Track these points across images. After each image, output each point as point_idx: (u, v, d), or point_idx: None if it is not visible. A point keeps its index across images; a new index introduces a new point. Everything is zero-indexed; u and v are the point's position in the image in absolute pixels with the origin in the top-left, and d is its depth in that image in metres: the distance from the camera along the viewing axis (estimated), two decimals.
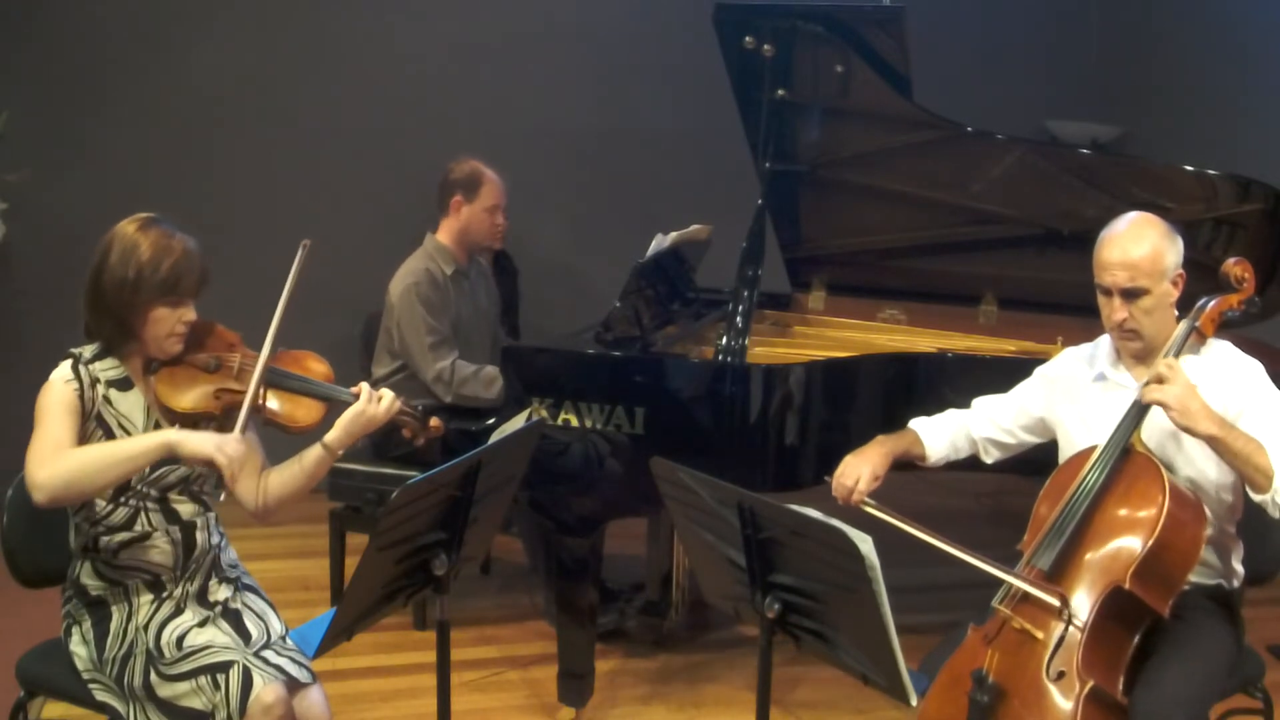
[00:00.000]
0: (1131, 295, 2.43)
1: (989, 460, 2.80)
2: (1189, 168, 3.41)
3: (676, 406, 3.13)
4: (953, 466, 2.88)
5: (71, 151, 4.66)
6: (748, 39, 3.48)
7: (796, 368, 3.15)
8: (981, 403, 2.81)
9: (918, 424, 2.79)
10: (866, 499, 2.55)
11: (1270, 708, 2.67)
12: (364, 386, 2.45)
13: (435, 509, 2.22)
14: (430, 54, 4.98)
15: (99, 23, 4.65)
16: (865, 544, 1.95)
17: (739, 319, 3.33)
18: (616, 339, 3.30)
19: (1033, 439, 2.75)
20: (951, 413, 2.82)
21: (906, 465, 3.17)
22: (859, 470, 2.59)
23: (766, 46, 3.47)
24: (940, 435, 2.77)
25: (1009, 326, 3.82)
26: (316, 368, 2.50)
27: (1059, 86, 5.72)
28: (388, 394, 2.46)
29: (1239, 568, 2.58)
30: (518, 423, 3.03)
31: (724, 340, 3.28)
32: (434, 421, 2.55)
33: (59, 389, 2.29)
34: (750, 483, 2.32)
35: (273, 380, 2.41)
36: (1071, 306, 3.64)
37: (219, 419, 2.42)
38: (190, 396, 2.36)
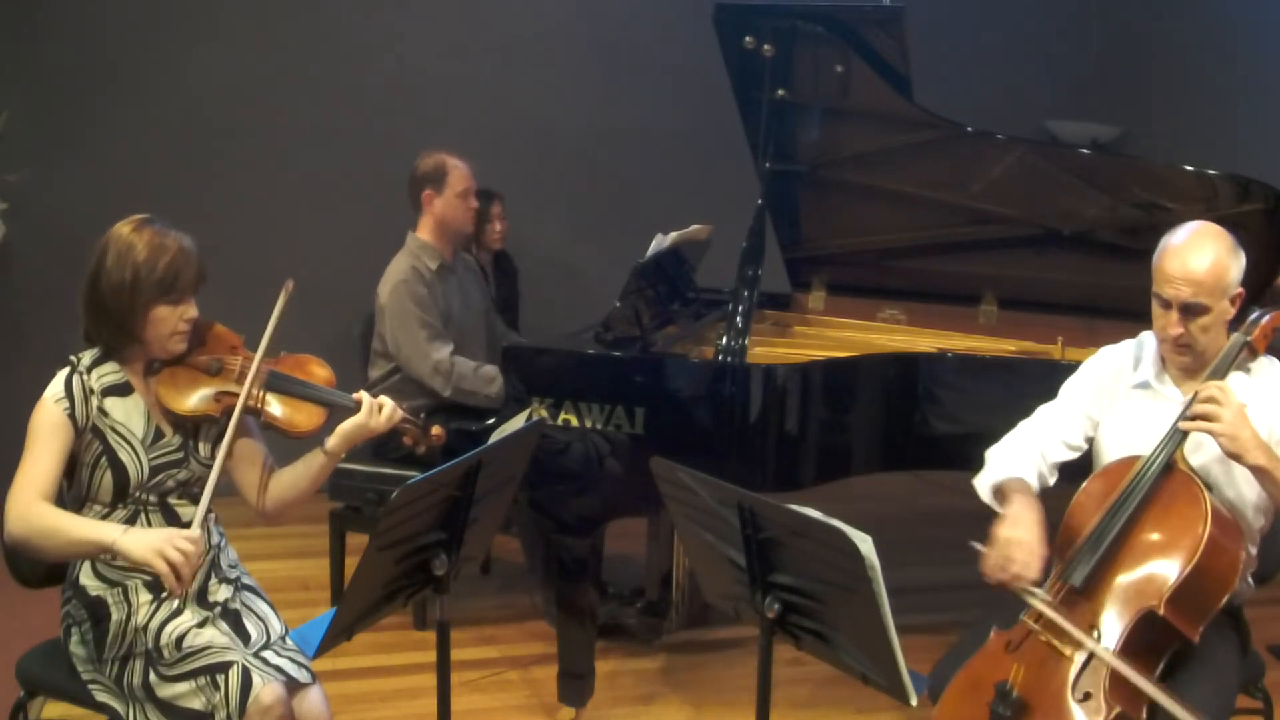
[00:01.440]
0: (1191, 311, 2.33)
1: (1052, 482, 2.56)
2: (1189, 168, 3.41)
3: (676, 406, 3.13)
4: (943, 461, 2.82)
5: (71, 151, 4.66)
6: (748, 39, 3.48)
7: (796, 368, 3.15)
8: (1043, 428, 2.60)
9: (1019, 471, 2.51)
10: (1034, 590, 2.28)
11: (1270, 708, 2.67)
12: (364, 395, 2.46)
13: (435, 509, 2.22)
14: (430, 54, 4.98)
15: (99, 23, 4.66)
16: (865, 544, 1.94)
17: (739, 319, 3.33)
18: (616, 339, 3.30)
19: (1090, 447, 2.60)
20: (1019, 452, 2.57)
21: (906, 466, 3.19)
22: (1031, 557, 2.28)
23: (766, 46, 3.47)
24: (1035, 481, 2.52)
25: (1009, 326, 3.82)
26: (319, 372, 2.50)
27: (1059, 86, 5.73)
28: (388, 403, 2.46)
29: (1250, 583, 2.54)
30: (518, 423, 3.04)
31: (724, 340, 3.28)
32: (435, 430, 2.55)
33: (49, 411, 2.30)
34: (750, 483, 2.32)
35: (273, 385, 2.41)
36: (1071, 306, 3.65)
37: (220, 421, 2.42)
38: (191, 399, 2.36)
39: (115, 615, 2.36)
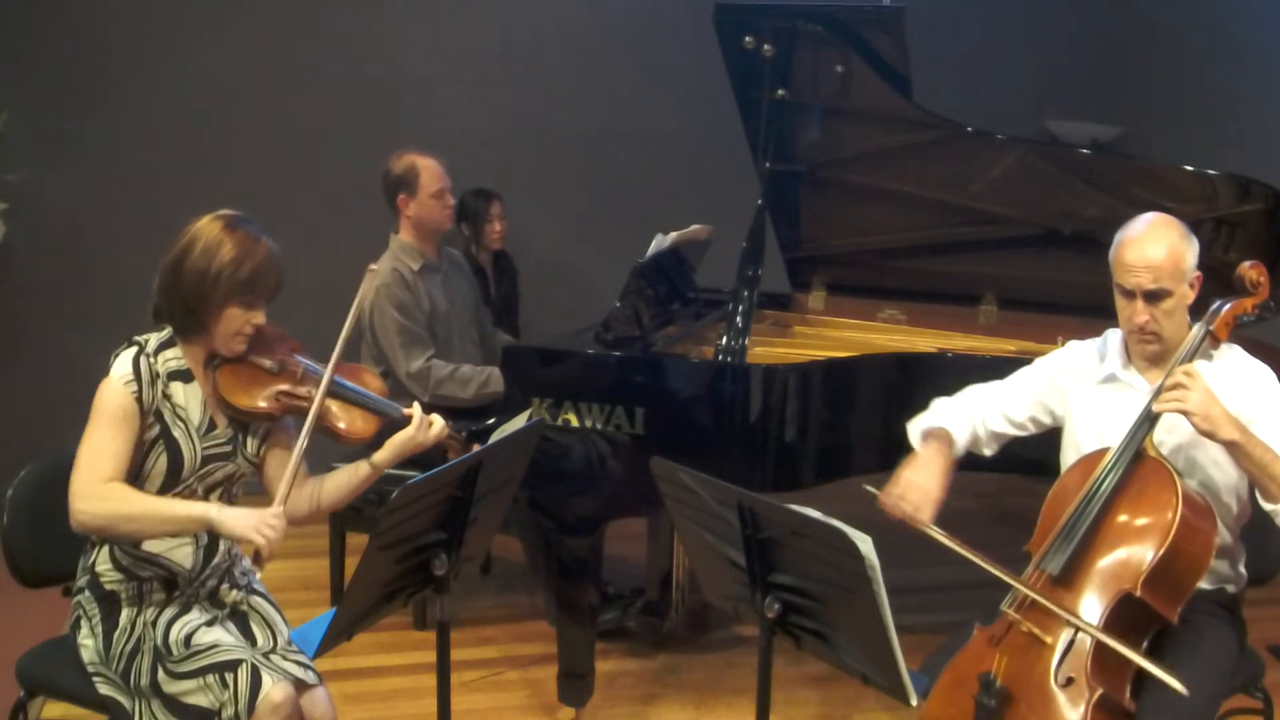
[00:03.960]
0: (1154, 297, 2.39)
1: (987, 454, 2.70)
2: (1189, 168, 3.41)
3: (676, 406, 3.13)
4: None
5: (71, 151, 4.65)
6: (748, 39, 3.48)
7: (796, 368, 3.15)
8: (986, 398, 2.70)
9: (941, 422, 2.64)
10: (931, 526, 2.40)
11: (1270, 708, 2.67)
12: (416, 409, 2.48)
13: (435, 509, 2.22)
14: (431, 54, 4.98)
15: (99, 23, 4.65)
16: (865, 544, 1.95)
17: (739, 319, 3.33)
18: (616, 339, 3.30)
19: (1040, 431, 2.68)
20: (954, 408, 2.69)
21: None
22: (924, 496, 2.43)
23: (766, 46, 3.47)
24: (962, 436, 2.64)
25: (1009, 326, 3.82)
26: (373, 382, 2.56)
27: (1059, 86, 5.72)
28: (438, 420, 2.49)
29: (1243, 571, 2.58)
30: (518, 423, 3.04)
31: (724, 340, 3.28)
32: (476, 447, 2.56)
33: (117, 393, 2.29)
34: (750, 483, 2.32)
35: (333, 390, 2.43)
36: (1071, 306, 3.65)
37: (277, 419, 2.44)
38: (251, 395, 2.38)
39: (126, 610, 2.38)
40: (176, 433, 2.35)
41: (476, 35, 5.04)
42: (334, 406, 2.44)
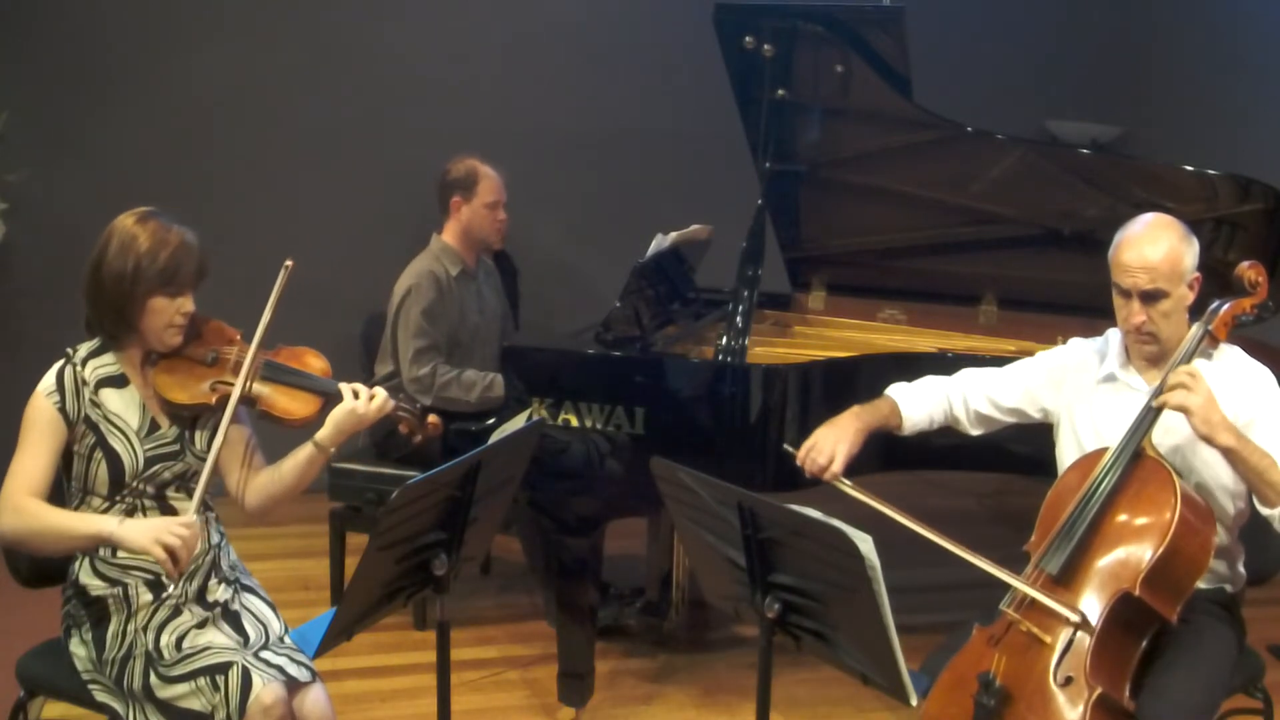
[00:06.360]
0: (1151, 298, 2.39)
1: (973, 433, 2.75)
2: (1189, 168, 3.41)
3: (677, 406, 3.13)
4: (943, 461, 2.84)
5: (71, 151, 4.66)
6: (748, 39, 3.48)
7: (796, 368, 3.15)
8: (975, 377, 2.74)
9: (896, 392, 2.72)
10: (841, 479, 2.52)
11: (1270, 708, 2.67)
12: (358, 386, 2.45)
13: (435, 509, 2.22)
14: (431, 54, 4.98)
15: (99, 23, 4.66)
16: (865, 544, 1.95)
17: (739, 319, 3.33)
18: (616, 339, 3.31)
19: (1025, 421, 2.72)
20: (932, 382, 2.74)
21: (906, 466, 3.17)
22: (834, 448, 2.53)
23: (766, 46, 3.47)
24: (919, 405, 2.70)
25: (1009, 326, 3.82)
26: (314, 363, 2.52)
27: (1059, 86, 5.73)
28: (380, 392, 2.46)
29: (1242, 571, 2.58)
30: (518, 423, 3.04)
31: (724, 340, 3.28)
32: (432, 419, 2.55)
33: (40, 405, 2.32)
34: (750, 483, 2.32)
35: (267, 374, 2.43)
36: (1071, 306, 3.65)
37: (215, 411, 2.42)
38: (187, 389, 2.38)
39: (116, 616, 2.37)
40: (113, 440, 2.35)
41: (476, 35, 5.04)
42: (267, 389, 2.42)
